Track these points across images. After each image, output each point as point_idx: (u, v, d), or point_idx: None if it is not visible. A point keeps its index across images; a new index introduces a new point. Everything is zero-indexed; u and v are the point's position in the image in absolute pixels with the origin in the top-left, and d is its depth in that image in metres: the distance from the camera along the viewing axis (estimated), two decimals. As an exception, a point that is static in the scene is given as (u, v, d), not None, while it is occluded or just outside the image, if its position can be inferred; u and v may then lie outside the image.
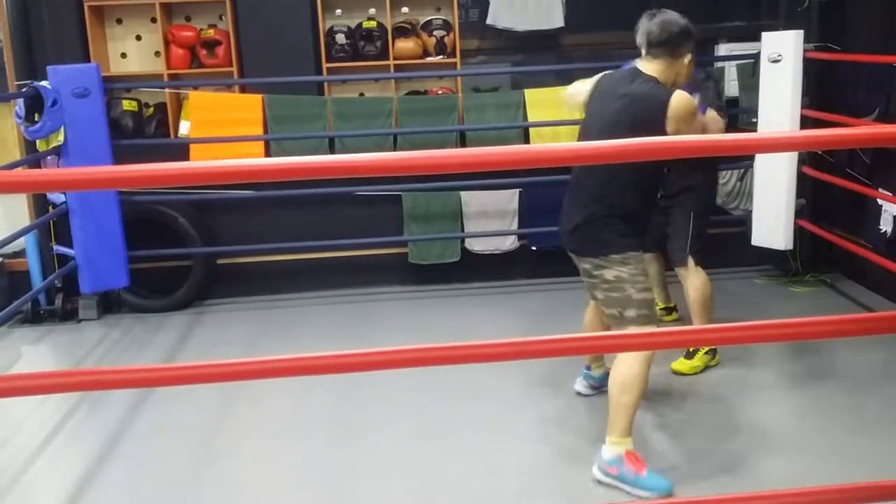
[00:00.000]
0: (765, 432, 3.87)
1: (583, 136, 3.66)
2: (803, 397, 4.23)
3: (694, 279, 4.47)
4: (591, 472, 3.50)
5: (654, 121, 3.36)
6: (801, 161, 5.38)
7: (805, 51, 5.11)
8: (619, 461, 3.41)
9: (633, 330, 3.42)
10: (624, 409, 3.41)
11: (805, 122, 5.18)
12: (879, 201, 5.06)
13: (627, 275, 3.45)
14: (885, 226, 4.99)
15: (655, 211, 4.60)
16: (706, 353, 4.50)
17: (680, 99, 3.40)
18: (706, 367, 4.49)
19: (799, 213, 5.43)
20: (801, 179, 5.31)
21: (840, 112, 5.29)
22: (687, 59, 3.56)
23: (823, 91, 5.55)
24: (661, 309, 4.98)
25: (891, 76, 4.93)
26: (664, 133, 3.38)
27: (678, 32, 3.51)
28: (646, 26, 3.53)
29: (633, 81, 3.51)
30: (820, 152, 5.55)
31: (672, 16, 3.83)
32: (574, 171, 3.62)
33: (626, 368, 3.41)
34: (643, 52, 3.57)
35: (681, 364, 4.47)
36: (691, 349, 4.50)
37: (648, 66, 3.54)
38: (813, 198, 5.67)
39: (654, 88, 3.47)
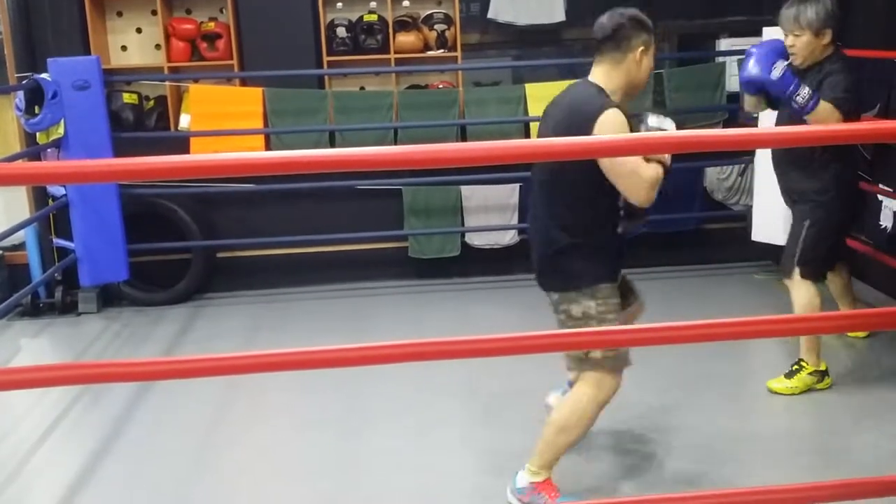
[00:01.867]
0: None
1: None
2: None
3: (798, 294, 4.05)
4: (591, 469, 3.51)
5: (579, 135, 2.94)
6: (802, 156, 5.37)
7: (806, 46, 5.07)
8: (529, 489, 3.23)
9: (597, 375, 3.11)
10: (556, 447, 3.20)
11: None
12: (880, 197, 5.06)
13: (595, 311, 3.11)
14: (886, 221, 4.99)
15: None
16: (811, 373, 4.10)
17: (610, 118, 2.98)
18: (809, 390, 4.10)
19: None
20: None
21: (841, 107, 5.27)
22: (638, 52, 3.11)
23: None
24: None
25: (892, 72, 4.91)
26: None
27: (625, 23, 3.11)
28: (597, 21, 3.18)
29: (573, 88, 3.18)
30: (821, 148, 5.53)
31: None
32: (532, 196, 3.31)
33: (575, 407, 3.16)
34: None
35: (778, 383, 4.13)
36: (793, 367, 4.12)
37: (595, 69, 3.17)
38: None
39: (587, 96, 3.10)
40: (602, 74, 3.14)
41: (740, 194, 5.94)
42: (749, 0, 6.02)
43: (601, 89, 3.10)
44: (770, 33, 5.09)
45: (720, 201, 6.02)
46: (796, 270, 4.06)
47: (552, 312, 3.27)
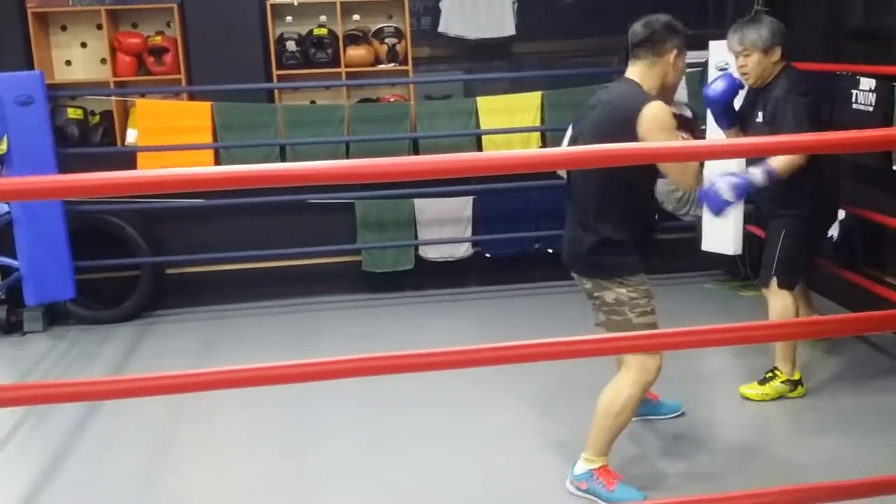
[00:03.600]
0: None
1: None
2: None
3: (774, 302, 4.12)
4: (546, 482, 3.51)
5: (623, 129, 3.11)
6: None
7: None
8: (588, 476, 3.35)
9: (633, 357, 3.28)
10: (606, 431, 3.33)
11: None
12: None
13: (627, 297, 3.28)
14: (832, 230, 5.06)
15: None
16: (783, 382, 4.15)
17: (654, 110, 3.15)
18: (780, 397, 4.16)
19: (748, 219, 5.50)
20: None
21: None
22: (672, 56, 3.31)
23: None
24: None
25: (833, 84, 5.00)
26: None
27: (660, 28, 3.31)
28: (632, 28, 3.36)
29: (614, 87, 3.36)
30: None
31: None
32: (571, 189, 3.43)
33: (620, 391, 3.29)
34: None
35: (751, 389, 4.18)
36: (767, 374, 4.18)
37: (631, 69, 3.35)
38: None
39: (630, 91, 3.26)
40: (638, 75, 3.32)
41: (689, 205, 5.99)
42: (695, 15, 6.11)
43: (640, 86, 3.28)
44: (716, 47, 5.18)
45: (670, 212, 6.07)
46: (774, 280, 4.12)
47: (586, 299, 3.43)
